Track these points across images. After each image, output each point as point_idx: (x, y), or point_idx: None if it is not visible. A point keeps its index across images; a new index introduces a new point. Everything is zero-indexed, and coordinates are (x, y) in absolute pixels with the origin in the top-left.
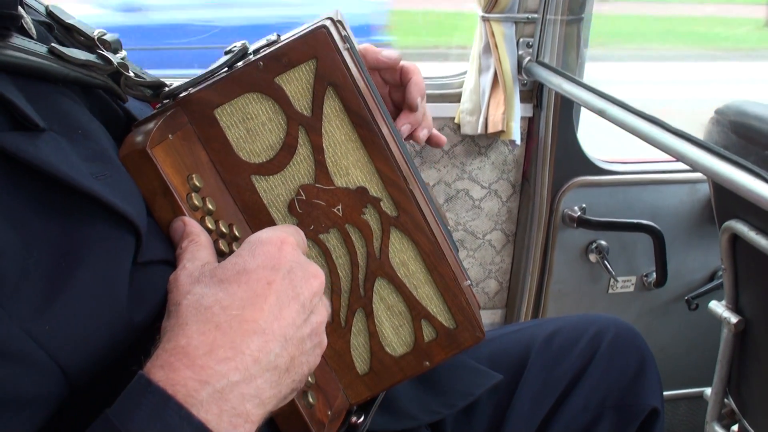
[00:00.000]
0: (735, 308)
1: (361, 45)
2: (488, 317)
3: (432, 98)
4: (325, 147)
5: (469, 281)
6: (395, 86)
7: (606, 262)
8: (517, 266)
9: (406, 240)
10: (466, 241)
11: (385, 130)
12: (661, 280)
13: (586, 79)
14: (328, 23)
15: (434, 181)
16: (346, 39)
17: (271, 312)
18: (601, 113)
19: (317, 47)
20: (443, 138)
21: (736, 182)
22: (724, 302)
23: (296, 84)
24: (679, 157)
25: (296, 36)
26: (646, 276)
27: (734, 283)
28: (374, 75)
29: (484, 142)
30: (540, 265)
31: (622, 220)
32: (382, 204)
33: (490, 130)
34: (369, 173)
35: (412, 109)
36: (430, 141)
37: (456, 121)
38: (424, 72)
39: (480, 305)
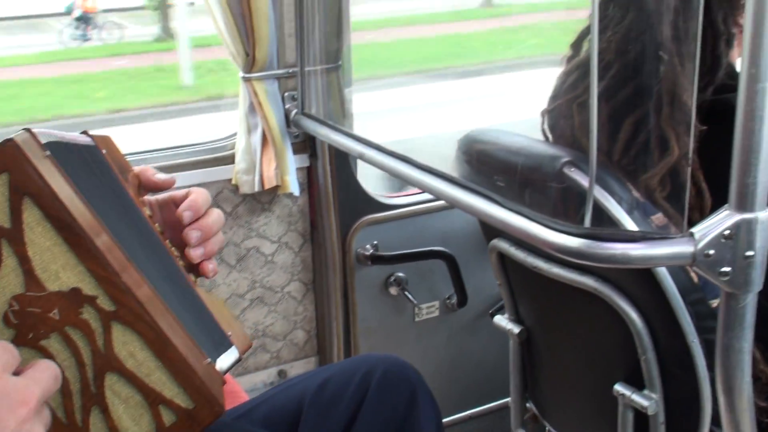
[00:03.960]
0: (516, 319)
1: (138, 167)
2: (302, 367)
3: (206, 163)
4: (31, 256)
5: (209, 359)
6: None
7: (406, 292)
8: (321, 313)
9: (129, 332)
10: (266, 297)
11: (91, 229)
12: (462, 301)
13: (359, 117)
14: (20, 136)
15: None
16: (49, 146)
17: None
18: (361, 157)
19: (6, 161)
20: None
21: (475, 208)
22: (507, 315)
23: None
24: (427, 189)
25: None
26: (449, 299)
27: (511, 295)
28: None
29: (266, 198)
30: (343, 307)
31: (414, 250)
32: (98, 301)
33: (266, 186)
34: (80, 273)
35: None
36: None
37: (233, 182)
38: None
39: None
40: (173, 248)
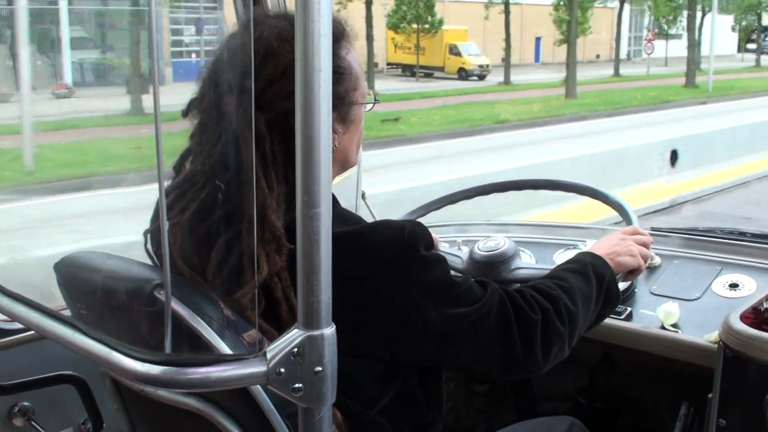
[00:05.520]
0: None
1: None
2: None
3: None
4: None
5: None
6: None
7: (33, 422)
8: None
9: None
10: None
11: None
12: (97, 424)
13: None
14: None
15: None
16: None
17: None
18: None
19: None
20: None
21: (60, 336)
22: None
23: None
24: (16, 318)
25: None
26: (83, 424)
27: (129, 419)
28: None
29: None
30: None
31: (38, 376)
32: None
33: None
34: None
35: None
36: None
37: None
38: None
39: None
40: None
